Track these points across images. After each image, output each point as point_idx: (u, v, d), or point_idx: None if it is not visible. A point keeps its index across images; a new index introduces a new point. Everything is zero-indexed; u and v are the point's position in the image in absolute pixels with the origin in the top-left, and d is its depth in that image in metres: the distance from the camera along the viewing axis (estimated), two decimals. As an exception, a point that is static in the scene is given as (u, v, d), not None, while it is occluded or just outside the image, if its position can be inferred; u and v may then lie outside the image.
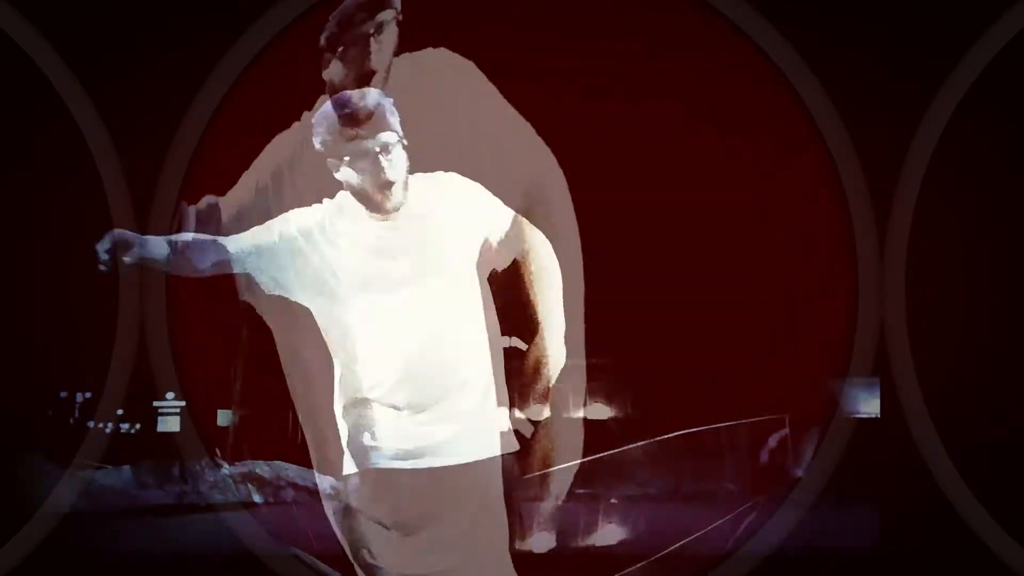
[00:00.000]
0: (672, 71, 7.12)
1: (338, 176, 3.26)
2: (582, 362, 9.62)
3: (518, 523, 3.83)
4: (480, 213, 3.38)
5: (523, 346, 5.51)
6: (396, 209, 3.23)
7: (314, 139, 3.26)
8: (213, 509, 8.34)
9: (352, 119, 3.08)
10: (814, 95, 5.95)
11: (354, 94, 3.22)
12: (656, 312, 8.04)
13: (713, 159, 7.51)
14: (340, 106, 3.13)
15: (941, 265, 6.61)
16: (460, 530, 3.40)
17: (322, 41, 4.67)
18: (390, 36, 4.47)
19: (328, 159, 3.21)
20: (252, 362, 9.04)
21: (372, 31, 4.34)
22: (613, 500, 7.60)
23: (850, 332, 5.98)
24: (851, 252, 6.02)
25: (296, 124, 4.73)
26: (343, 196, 3.33)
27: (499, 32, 7.15)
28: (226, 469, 8.98)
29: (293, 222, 3.42)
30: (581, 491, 7.99)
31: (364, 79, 4.24)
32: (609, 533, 7.10)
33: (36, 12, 6.10)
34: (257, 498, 8.67)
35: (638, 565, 5.78)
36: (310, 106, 6.09)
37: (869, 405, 7.87)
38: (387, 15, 4.46)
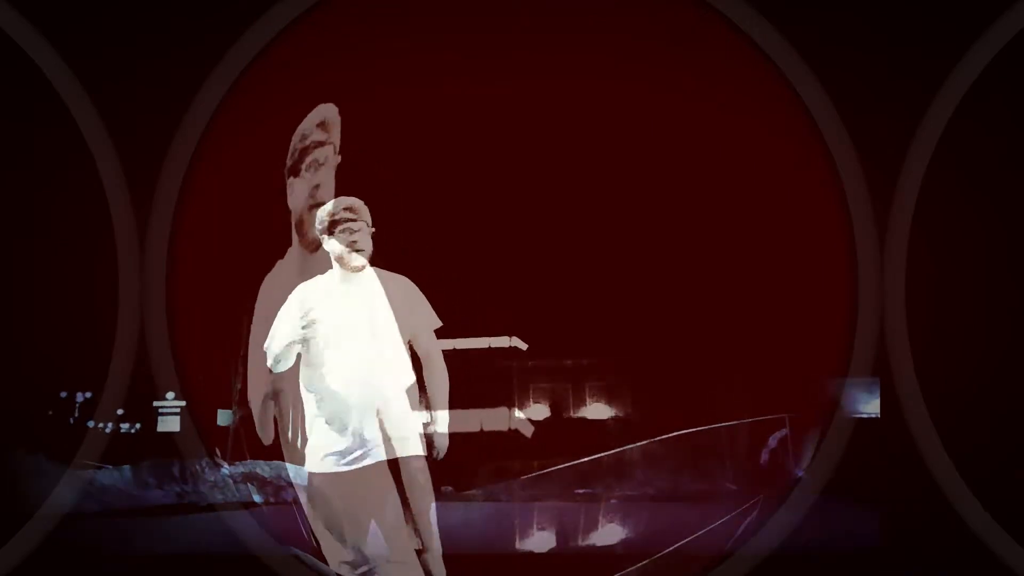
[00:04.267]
0: (672, 71, 7.12)
1: (326, 246, 4.70)
2: (583, 362, 9.66)
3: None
4: (413, 310, 4.79)
5: (523, 346, 5.58)
6: (360, 269, 4.68)
7: (316, 223, 4.72)
8: (213, 509, 8.35)
9: (350, 209, 4.64)
10: (814, 95, 5.95)
11: (350, 199, 4.72)
12: (656, 312, 8.05)
13: (713, 160, 7.51)
14: (343, 203, 4.66)
15: (941, 265, 6.60)
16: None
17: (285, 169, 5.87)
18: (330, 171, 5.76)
19: (323, 236, 4.69)
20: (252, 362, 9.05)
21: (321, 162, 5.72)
22: (613, 500, 7.60)
23: (850, 332, 5.98)
24: (851, 252, 6.02)
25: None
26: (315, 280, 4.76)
27: (498, 31, 7.16)
28: (226, 469, 9.00)
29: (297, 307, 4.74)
30: (581, 491, 8.02)
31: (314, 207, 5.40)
32: (609, 533, 7.10)
33: (36, 12, 6.10)
34: (257, 498, 8.69)
35: (638, 565, 5.78)
36: (308, 106, 6.12)
37: (869, 405, 7.87)
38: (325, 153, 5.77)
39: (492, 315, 8.15)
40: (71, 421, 9.56)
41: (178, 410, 8.74)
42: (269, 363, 4.72)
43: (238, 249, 7.60)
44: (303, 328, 4.52)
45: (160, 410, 9.21)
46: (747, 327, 7.74)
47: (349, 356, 4.60)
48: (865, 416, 7.64)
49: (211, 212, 7.00)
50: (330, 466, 4.61)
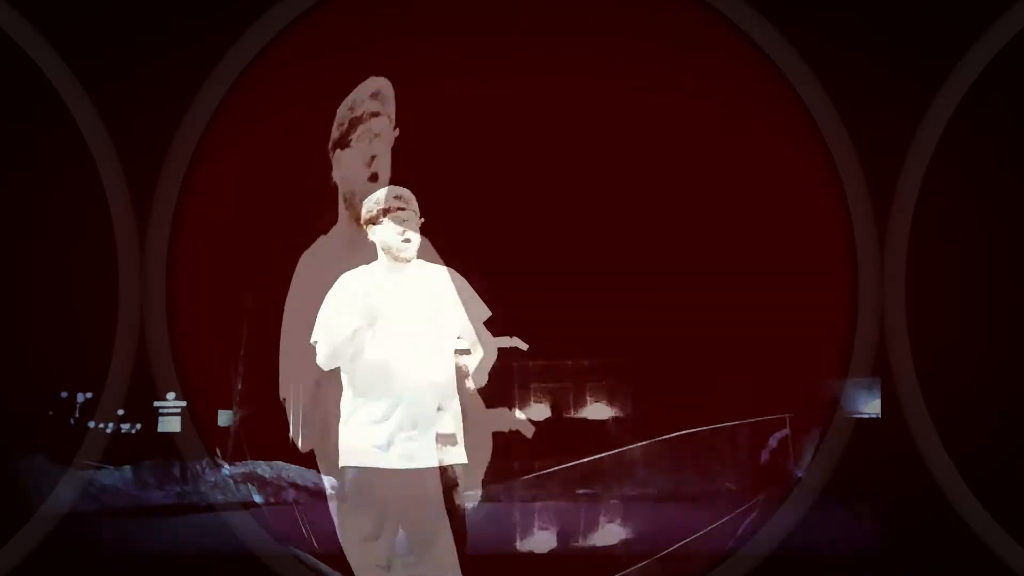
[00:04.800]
0: (672, 71, 7.13)
1: (372, 237, 4.53)
2: (586, 362, 9.67)
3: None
4: (465, 300, 4.68)
5: (523, 346, 5.58)
6: (410, 260, 4.51)
7: (363, 211, 4.59)
8: (213, 509, 8.36)
9: (400, 198, 4.51)
10: (814, 95, 5.95)
11: (400, 188, 4.58)
12: (657, 313, 8.05)
13: (713, 160, 7.52)
14: (393, 192, 4.56)
15: (941, 265, 6.61)
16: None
17: (331, 142, 5.66)
18: (385, 143, 5.61)
19: (369, 226, 4.54)
20: (252, 362, 9.06)
21: (376, 133, 5.56)
22: (613, 500, 7.61)
23: (850, 332, 5.97)
24: (851, 252, 6.02)
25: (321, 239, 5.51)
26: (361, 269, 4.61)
27: (498, 31, 7.17)
28: (226, 469, 9.01)
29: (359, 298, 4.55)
30: (581, 491, 8.02)
31: (372, 179, 5.53)
32: (609, 533, 7.10)
33: (36, 12, 6.10)
34: (257, 498, 8.70)
35: (638, 565, 5.78)
36: (308, 106, 6.12)
37: (869, 405, 7.88)
38: (382, 124, 5.60)
39: (492, 315, 8.15)
40: (71, 421, 9.57)
41: (178, 410, 8.76)
42: (324, 362, 4.54)
43: (238, 249, 7.61)
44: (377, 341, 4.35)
45: (161, 410, 9.22)
46: (747, 327, 7.74)
47: (407, 351, 4.41)
48: (865, 416, 7.65)
49: (211, 212, 7.00)
50: (376, 461, 4.47)
